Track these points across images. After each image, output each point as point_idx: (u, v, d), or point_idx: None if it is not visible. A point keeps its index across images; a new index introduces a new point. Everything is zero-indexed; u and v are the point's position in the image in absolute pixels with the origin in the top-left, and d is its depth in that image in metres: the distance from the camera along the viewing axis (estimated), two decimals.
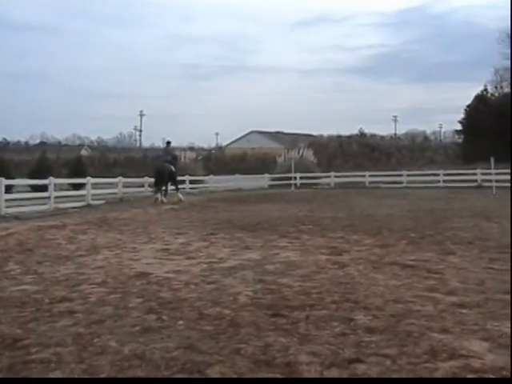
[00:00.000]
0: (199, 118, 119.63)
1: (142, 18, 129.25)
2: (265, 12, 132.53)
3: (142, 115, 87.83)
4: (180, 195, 20.91)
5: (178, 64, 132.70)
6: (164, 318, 4.91)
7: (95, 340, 4.26)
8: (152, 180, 21.74)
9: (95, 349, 4.06)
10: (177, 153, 25.52)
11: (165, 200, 19.89)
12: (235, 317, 4.92)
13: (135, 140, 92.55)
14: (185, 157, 32.79)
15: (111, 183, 23.62)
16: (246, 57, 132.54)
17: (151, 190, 21.55)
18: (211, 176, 31.24)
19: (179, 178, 22.84)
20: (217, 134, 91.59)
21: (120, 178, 23.17)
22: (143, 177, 25.17)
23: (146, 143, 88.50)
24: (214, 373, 3.63)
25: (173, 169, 20.69)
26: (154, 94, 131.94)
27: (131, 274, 6.99)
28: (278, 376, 3.58)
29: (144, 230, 11.84)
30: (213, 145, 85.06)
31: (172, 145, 24.76)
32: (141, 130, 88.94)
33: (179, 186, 21.80)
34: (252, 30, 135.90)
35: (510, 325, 4.49)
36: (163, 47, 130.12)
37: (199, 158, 36.08)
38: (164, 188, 20.56)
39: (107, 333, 4.45)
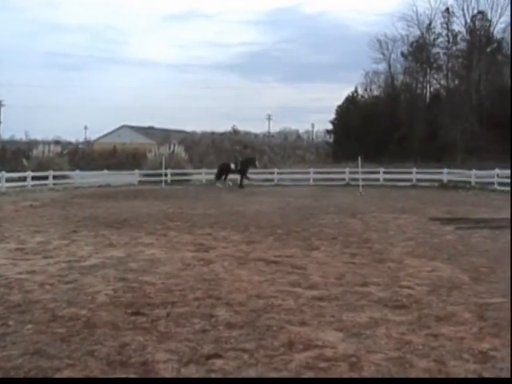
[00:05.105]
0: (67, 110, 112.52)
1: None
2: (135, 3, 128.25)
3: (0, 105, 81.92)
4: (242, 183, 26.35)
5: (42, 52, 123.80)
6: (10, 323, 4.55)
7: None
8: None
9: None
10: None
11: (221, 186, 25.95)
12: (92, 317, 4.70)
13: None
14: (49, 151, 31.06)
15: None
16: (117, 48, 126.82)
17: (214, 179, 27.60)
18: (77, 171, 29.85)
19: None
20: (85, 127, 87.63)
21: None
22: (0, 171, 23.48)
23: (5, 135, 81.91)
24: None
25: (232, 166, 26.67)
26: (15, 83, 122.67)
27: None
28: (133, 376, 3.44)
29: None
30: (81, 139, 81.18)
31: (35, 138, 24.66)
32: None
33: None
34: (122, 22, 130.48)
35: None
36: (25, 33, 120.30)
37: (65, 152, 34.26)
38: (224, 178, 26.98)
39: None
